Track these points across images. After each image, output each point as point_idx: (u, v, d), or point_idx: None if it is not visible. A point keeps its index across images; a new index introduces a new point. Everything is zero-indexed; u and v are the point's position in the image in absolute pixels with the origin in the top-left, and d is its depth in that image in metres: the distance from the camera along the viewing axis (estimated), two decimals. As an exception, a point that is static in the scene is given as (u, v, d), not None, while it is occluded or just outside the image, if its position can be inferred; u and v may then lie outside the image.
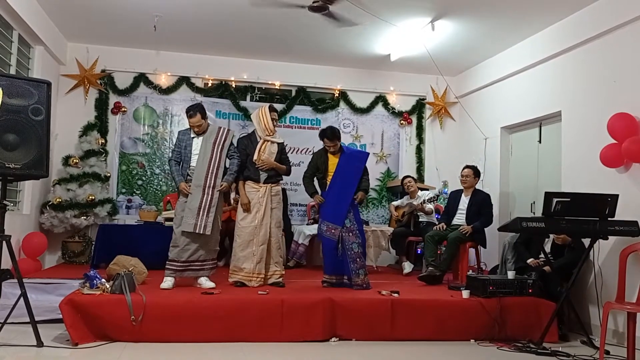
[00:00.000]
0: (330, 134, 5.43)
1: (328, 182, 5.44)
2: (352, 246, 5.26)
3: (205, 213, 5.01)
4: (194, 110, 5.14)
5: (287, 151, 5.70)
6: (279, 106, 7.95)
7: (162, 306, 4.29)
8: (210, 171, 5.09)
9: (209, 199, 5.05)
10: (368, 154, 5.73)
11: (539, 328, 4.64)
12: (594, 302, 4.96)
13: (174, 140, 5.53)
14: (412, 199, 7.14)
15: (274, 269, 5.27)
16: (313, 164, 5.58)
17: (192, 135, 5.21)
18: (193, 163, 5.13)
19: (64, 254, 7.01)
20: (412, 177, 7.43)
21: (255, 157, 5.24)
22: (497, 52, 7.17)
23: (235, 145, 5.37)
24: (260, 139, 5.30)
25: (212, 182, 5.09)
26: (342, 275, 5.32)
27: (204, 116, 5.16)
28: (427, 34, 6.40)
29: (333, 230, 5.29)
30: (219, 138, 5.21)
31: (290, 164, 5.58)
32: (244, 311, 4.38)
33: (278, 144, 5.38)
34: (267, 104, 5.51)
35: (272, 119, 5.32)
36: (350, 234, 5.29)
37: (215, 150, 5.15)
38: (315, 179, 5.58)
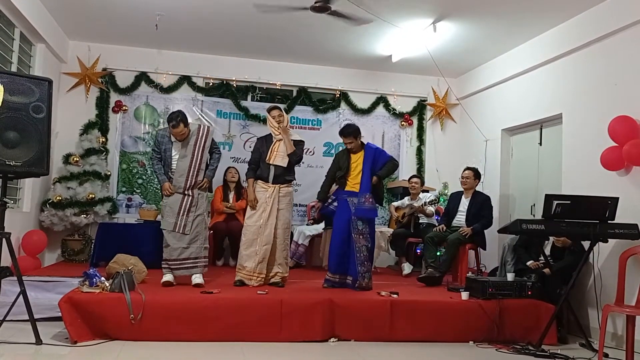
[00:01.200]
0: (346, 131, 5.41)
1: (348, 181, 5.40)
2: (362, 249, 5.23)
3: (185, 213, 5.05)
4: (177, 120, 4.97)
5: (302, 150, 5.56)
6: (279, 106, 7.95)
7: (161, 305, 4.29)
8: (190, 174, 5.09)
9: (189, 200, 5.08)
10: (389, 155, 5.58)
11: (537, 330, 4.64)
12: (593, 304, 4.96)
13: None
14: (413, 201, 7.13)
15: (276, 270, 5.26)
16: (335, 163, 5.56)
17: (172, 140, 5.15)
18: (174, 165, 5.14)
19: (64, 252, 7.02)
20: (420, 178, 7.40)
21: (267, 157, 5.29)
22: (498, 54, 7.17)
23: (214, 143, 5.34)
24: (274, 140, 5.35)
25: (193, 183, 5.10)
26: (346, 275, 5.30)
27: (186, 124, 5.06)
28: (429, 35, 6.40)
29: (371, 200, 5.26)
30: (199, 139, 5.17)
31: (301, 157, 5.46)
32: (243, 311, 4.38)
33: (294, 141, 5.38)
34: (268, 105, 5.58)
35: (273, 117, 5.34)
36: (361, 237, 5.26)
37: (195, 151, 5.13)
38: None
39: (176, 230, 5.01)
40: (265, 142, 5.42)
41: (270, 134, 5.42)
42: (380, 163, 5.38)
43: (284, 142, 5.31)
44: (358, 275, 5.18)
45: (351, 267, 5.25)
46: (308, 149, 8.03)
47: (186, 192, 5.07)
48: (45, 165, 3.97)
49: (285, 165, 5.30)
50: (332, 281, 5.34)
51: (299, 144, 5.41)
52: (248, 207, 5.36)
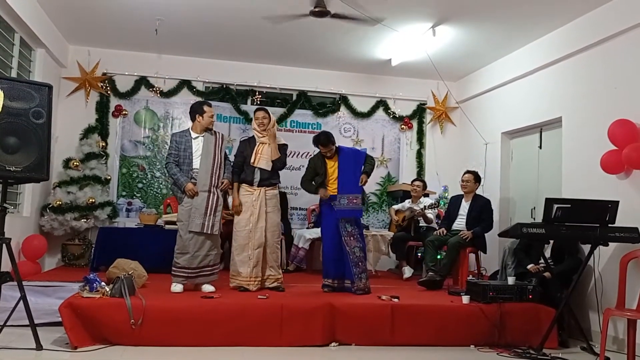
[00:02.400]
0: (325, 140, 5.38)
1: (328, 186, 5.41)
2: (354, 250, 5.24)
3: (213, 213, 5.01)
4: (209, 103, 5.29)
5: (288, 154, 5.60)
6: (279, 110, 7.98)
7: (162, 310, 4.29)
8: (214, 171, 5.09)
9: (215, 198, 5.05)
10: (364, 153, 5.63)
11: (538, 334, 4.63)
12: (594, 308, 4.95)
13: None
14: (413, 204, 7.12)
15: (268, 272, 5.26)
16: (311, 169, 5.54)
17: (193, 136, 5.17)
18: (195, 164, 5.09)
19: (64, 256, 7.01)
20: (422, 182, 7.36)
21: (252, 159, 5.25)
22: (498, 57, 7.18)
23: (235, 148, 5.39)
24: (257, 142, 5.32)
25: (217, 182, 5.10)
26: (343, 279, 5.30)
27: None
28: (428, 39, 6.40)
29: (355, 200, 5.27)
30: (217, 141, 5.21)
31: (285, 163, 5.45)
32: (243, 316, 4.37)
33: (279, 144, 5.36)
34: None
35: (256, 119, 5.30)
36: (352, 238, 5.27)
37: (216, 151, 5.15)
38: (314, 182, 5.55)
39: (204, 231, 4.94)
40: (248, 145, 5.38)
41: (254, 136, 5.39)
42: (362, 161, 5.42)
43: (269, 146, 5.28)
44: (354, 277, 5.18)
45: (347, 270, 5.24)
46: (308, 152, 8.03)
47: (212, 190, 5.05)
48: (45, 170, 3.97)
49: (269, 169, 5.28)
50: (330, 286, 5.33)
51: (282, 147, 5.39)
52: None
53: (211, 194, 5.04)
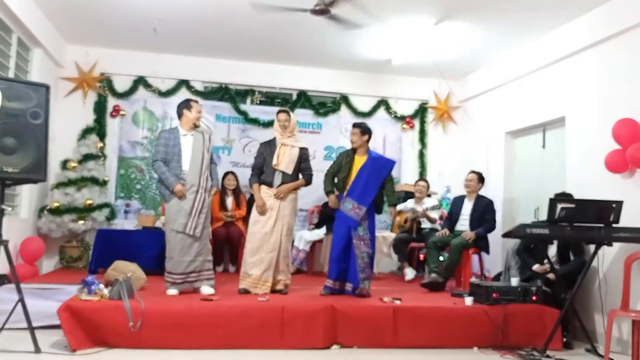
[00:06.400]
0: (356, 123, 5.42)
1: (348, 185, 5.28)
2: (363, 255, 5.16)
3: (197, 214, 4.92)
4: (196, 100, 5.27)
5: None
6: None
7: (161, 312, 4.24)
8: (202, 172, 5.01)
9: (202, 200, 4.96)
10: (391, 165, 5.42)
11: (542, 335, 4.59)
12: (599, 309, 4.91)
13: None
14: (417, 204, 7.07)
15: (279, 277, 5.20)
16: (337, 163, 5.42)
17: (182, 133, 5.07)
18: (185, 164, 4.99)
19: (62, 258, 6.97)
20: (426, 182, 7.27)
21: (274, 161, 5.21)
22: (499, 56, 7.14)
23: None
24: (278, 144, 5.27)
25: (205, 183, 5.01)
26: (345, 282, 5.22)
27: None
28: (430, 38, 6.38)
29: (357, 210, 5.16)
30: (205, 141, 5.12)
31: (311, 171, 5.41)
32: (244, 318, 4.32)
33: (300, 148, 5.32)
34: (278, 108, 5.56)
35: (279, 120, 5.27)
36: (362, 243, 5.17)
37: (204, 151, 5.07)
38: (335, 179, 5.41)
39: (187, 232, 4.86)
40: (268, 147, 5.32)
41: (274, 138, 5.34)
42: (384, 174, 5.28)
43: (291, 148, 5.24)
44: (359, 283, 5.11)
45: (351, 274, 5.16)
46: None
47: (199, 192, 4.96)
48: (43, 171, 3.94)
49: (290, 172, 5.23)
50: (331, 288, 5.24)
51: (303, 152, 5.34)
52: (252, 214, 5.25)
53: (198, 195, 4.96)
